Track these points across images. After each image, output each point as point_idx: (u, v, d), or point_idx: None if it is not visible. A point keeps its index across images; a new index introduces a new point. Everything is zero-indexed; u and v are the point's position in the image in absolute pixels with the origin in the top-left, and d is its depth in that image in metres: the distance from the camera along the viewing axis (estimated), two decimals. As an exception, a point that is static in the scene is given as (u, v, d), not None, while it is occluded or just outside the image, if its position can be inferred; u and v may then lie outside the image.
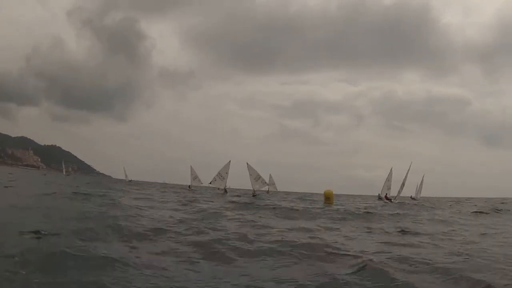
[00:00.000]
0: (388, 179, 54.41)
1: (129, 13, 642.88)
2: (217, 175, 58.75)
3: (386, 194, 53.80)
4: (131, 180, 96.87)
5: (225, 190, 59.34)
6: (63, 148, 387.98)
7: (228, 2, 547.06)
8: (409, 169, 53.15)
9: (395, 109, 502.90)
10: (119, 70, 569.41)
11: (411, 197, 66.88)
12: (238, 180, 62.32)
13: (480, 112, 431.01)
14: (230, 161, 59.59)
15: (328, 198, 40.28)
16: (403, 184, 52.50)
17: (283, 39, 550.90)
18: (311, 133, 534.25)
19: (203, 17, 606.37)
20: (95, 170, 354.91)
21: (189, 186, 66.73)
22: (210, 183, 59.25)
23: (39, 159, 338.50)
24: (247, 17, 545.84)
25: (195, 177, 68.97)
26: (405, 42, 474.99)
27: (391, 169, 55.35)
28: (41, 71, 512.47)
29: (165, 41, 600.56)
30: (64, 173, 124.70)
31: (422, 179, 72.18)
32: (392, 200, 50.44)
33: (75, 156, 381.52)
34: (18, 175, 66.18)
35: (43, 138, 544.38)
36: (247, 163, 59.40)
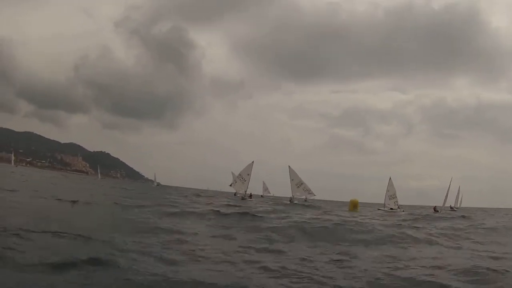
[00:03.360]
0: (388, 190, 54.74)
1: (177, 22, 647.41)
2: (237, 176, 52.72)
3: (435, 206, 56.55)
4: (158, 184, 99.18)
5: (250, 195, 53.19)
6: (112, 154, 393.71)
7: (276, 11, 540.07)
8: (450, 184, 57.20)
9: (445, 117, 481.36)
10: (168, 79, 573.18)
11: (450, 207, 65.69)
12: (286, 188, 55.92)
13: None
14: (253, 161, 53.83)
15: (354, 206, 46.15)
16: (446, 196, 56.33)
17: (332, 48, 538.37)
18: (361, 142, 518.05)
19: (251, 26, 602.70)
20: (143, 176, 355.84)
21: (235, 193, 57.92)
22: (230, 185, 53.14)
23: (88, 165, 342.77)
24: (296, 26, 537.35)
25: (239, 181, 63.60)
26: (454, 47, 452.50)
27: (389, 179, 55.83)
28: (90, 80, 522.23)
29: (214, 50, 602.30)
30: (99, 177, 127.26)
31: (459, 190, 72.12)
32: (438, 211, 52.18)
33: (124, 163, 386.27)
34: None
35: (92, 144, 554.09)
36: (289, 166, 54.64)
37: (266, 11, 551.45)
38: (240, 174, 52.69)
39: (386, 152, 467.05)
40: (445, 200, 57.79)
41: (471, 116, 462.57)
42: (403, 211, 51.62)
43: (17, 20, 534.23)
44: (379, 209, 52.70)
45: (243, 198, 50.13)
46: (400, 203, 54.35)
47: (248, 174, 52.65)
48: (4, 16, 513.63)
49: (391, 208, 52.47)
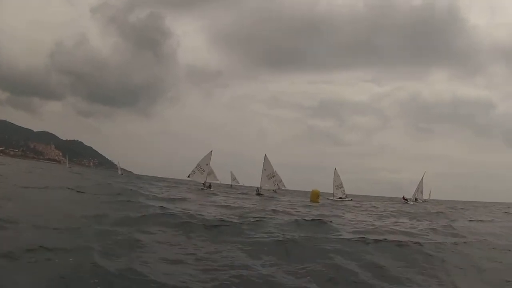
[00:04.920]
0: (335, 180, 56.66)
1: (154, 9, 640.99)
2: (196, 167, 51.68)
3: (404, 196, 61.75)
4: (122, 173, 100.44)
5: (209, 185, 52.47)
6: (85, 143, 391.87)
7: (255, 1, 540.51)
8: (423, 177, 65.36)
9: (420, 111, 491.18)
10: (144, 67, 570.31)
11: (415, 199, 66.56)
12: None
13: (507, 114, 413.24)
14: (211, 150, 53.04)
15: (317, 196, 43.54)
16: (417, 188, 63.86)
17: (310, 39, 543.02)
18: (337, 133, 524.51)
19: (229, 16, 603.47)
20: (116, 165, 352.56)
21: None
22: (188, 176, 52.13)
23: (61, 154, 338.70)
24: (274, 16, 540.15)
25: (210, 172, 62.17)
26: (432, 42, 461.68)
27: (335, 170, 57.78)
28: (65, 66, 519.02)
29: (191, 38, 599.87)
30: (67, 166, 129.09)
31: (421, 181, 69.67)
32: (408, 201, 57.29)
33: (97, 151, 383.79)
34: None
35: (66, 133, 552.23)
36: (265, 155, 53.23)
37: (244, 1, 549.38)
38: (198, 165, 51.77)
39: (361, 143, 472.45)
40: (415, 192, 63.95)
41: (447, 110, 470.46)
42: (351, 199, 55.00)
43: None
44: (328, 198, 53.50)
45: (202, 189, 49.41)
46: (373, 194, 57.26)
47: (207, 164, 51.95)
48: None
49: (340, 197, 54.71)
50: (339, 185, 56.45)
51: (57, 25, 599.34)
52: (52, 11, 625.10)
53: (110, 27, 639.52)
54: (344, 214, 24.58)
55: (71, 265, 6.62)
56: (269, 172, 52.97)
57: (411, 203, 56.26)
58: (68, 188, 23.50)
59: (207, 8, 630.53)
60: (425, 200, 75.54)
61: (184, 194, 33.19)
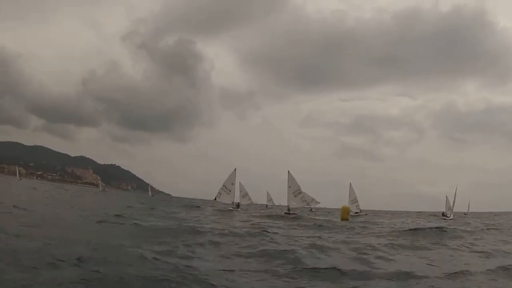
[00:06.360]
0: (350, 195, 56.18)
1: (183, 35, 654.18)
2: (221, 188, 49.64)
3: (443, 212, 60.20)
4: (153, 195, 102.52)
5: (237, 205, 50.88)
6: (123, 167, 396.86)
7: (283, 21, 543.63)
8: (456, 191, 62.30)
9: (455, 121, 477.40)
10: (177, 91, 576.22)
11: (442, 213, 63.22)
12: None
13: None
14: (235, 169, 50.83)
15: (348, 213, 41.96)
16: (453, 203, 61.01)
17: (340, 55, 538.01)
18: (371, 149, 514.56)
19: (259, 37, 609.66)
20: (154, 188, 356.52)
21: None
22: (215, 198, 49.93)
23: (98, 178, 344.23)
24: (303, 35, 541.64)
25: (244, 194, 60.65)
26: (462, 50, 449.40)
27: (350, 184, 57.49)
28: (99, 93, 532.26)
29: (221, 61, 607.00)
30: (100, 189, 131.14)
31: (446, 198, 65.15)
32: (447, 216, 56.84)
33: (134, 175, 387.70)
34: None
35: (102, 157, 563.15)
36: (288, 172, 49.38)
37: (273, 21, 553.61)
38: (224, 185, 49.76)
39: (397, 158, 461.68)
40: (452, 206, 60.90)
41: (482, 119, 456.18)
42: (366, 214, 55.85)
43: (25, 35, 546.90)
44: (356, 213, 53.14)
45: (230, 209, 47.75)
46: (409, 209, 56.19)
47: (232, 184, 49.90)
48: (13, 32, 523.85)
49: (356, 212, 53.80)
50: (353, 200, 55.93)
51: (89, 52, 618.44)
52: (83, 38, 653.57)
53: (141, 54, 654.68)
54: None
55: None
56: (294, 189, 49.40)
57: (451, 218, 55.00)
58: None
59: (237, 30, 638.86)
60: (465, 214, 73.13)
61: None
